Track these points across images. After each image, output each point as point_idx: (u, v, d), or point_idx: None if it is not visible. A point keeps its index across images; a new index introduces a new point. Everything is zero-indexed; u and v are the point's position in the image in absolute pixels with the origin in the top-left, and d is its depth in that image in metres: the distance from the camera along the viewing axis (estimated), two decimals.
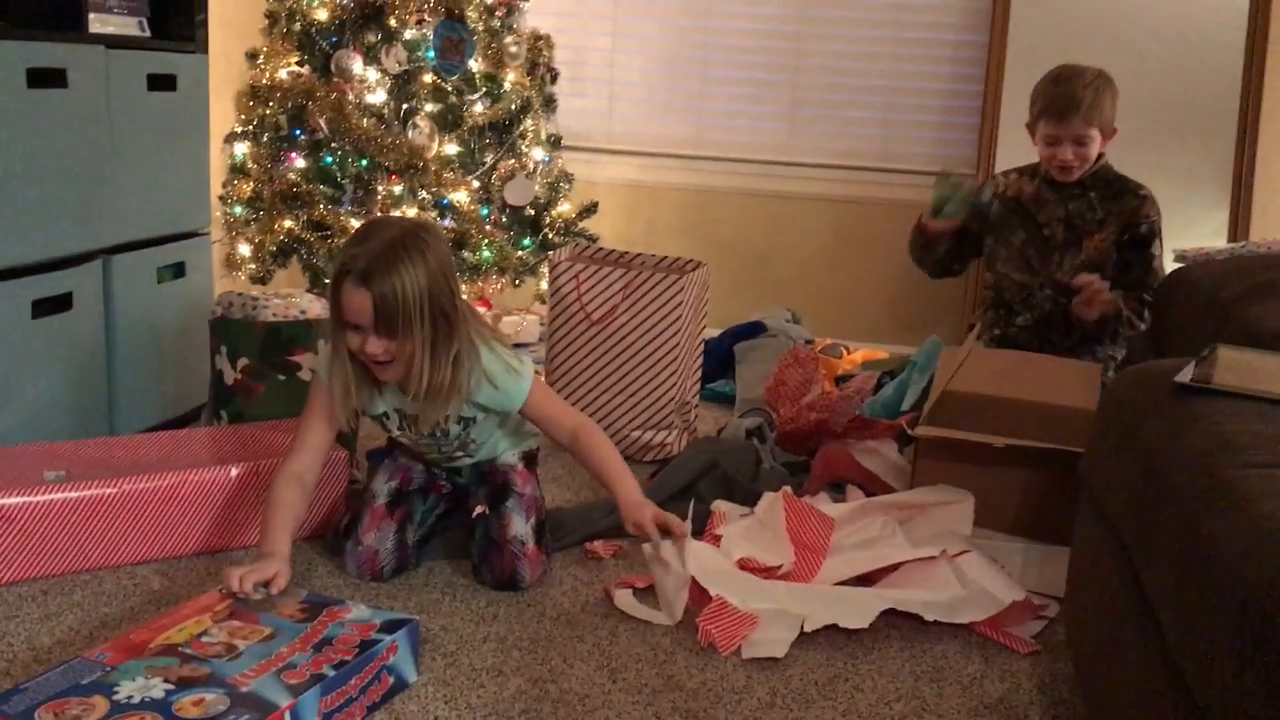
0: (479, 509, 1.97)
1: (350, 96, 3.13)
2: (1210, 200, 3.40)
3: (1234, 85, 3.37)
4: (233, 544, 2.03)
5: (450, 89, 3.24)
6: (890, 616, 1.82)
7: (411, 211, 3.12)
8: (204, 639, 1.51)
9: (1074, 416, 2.08)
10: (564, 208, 3.51)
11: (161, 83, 2.53)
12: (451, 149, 3.25)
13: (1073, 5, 3.47)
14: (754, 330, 3.27)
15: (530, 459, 2.07)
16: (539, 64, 3.49)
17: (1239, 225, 3.36)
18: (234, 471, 2.01)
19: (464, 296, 1.93)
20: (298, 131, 3.21)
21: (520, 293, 3.64)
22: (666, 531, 1.90)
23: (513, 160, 3.37)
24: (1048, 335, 2.68)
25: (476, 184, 3.29)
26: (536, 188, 3.40)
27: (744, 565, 1.94)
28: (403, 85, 3.20)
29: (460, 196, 3.22)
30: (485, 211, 3.30)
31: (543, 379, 2.15)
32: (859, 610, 1.80)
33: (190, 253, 2.68)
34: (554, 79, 3.56)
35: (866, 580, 1.93)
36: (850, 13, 3.71)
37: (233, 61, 3.31)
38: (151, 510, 1.94)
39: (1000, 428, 2.17)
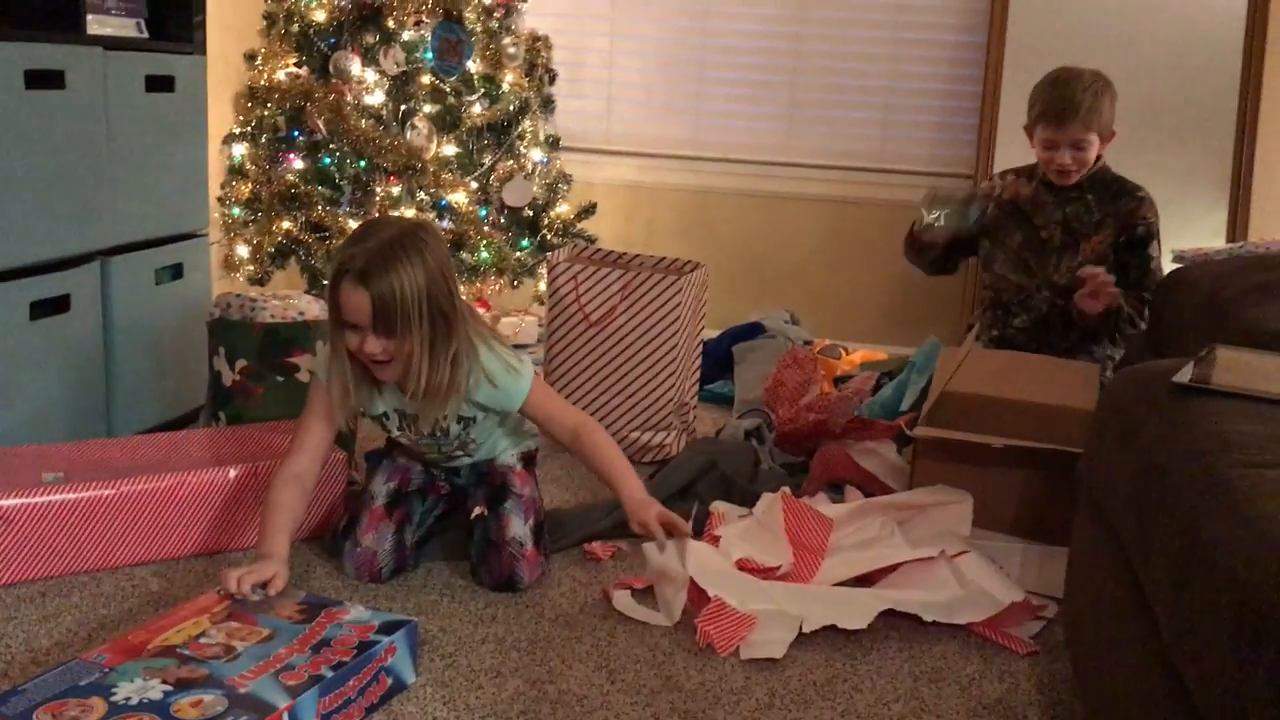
0: (477, 510, 1.97)
1: (348, 98, 3.14)
2: (1209, 200, 3.40)
3: (1232, 85, 3.37)
4: (231, 545, 2.03)
5: (448, 90, 3.24)
6: (889, 617, 1.82)
7: (410, 213, 3.12)
8: (202, 640, 1.51)
9: (1072, 417, 2.08)
10: (562, 209, 3.51)
11: (160, 84, 2.53)
12: (450, 150, 3.25)
13: (1071, 6, 3.47)
14: (752, 331, 3.27)
15: (529, 460, 2.07)
16: (537, 65, 3.49)
17: (1237, 225, 3.37)
18: (232, 473, 2.01)
19: (462, 296, 1.93)
20: (296, 133, 3.21)
21: (519, 294, 3.64)
22: (669, 532, 1.91)
23: (511, 161, 3.37)
24: (1045, 336, 2.68)
25: (475, 185, 3.29)
26: (535, 189, 3.40)
27: (742, 566, 1.94)
28: (401, 86, 3.20)
29: (458, 197, 3.22)
30: (484, 212, 3.30)
31: (542, 378, 2.15)
32: (858, 611, 1.80)
33: (188, 254, 2.68)
34: (552, 80, 3.56)
35: (865, 581, 1.93)
36: (848, 13, 3.71)
37: (231, 63, 3.31)
38: (149, 512, 1.94)
39: (999, 428, 2.17)
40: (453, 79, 3.23)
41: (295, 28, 3.20)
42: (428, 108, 3.22)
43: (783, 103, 3.81)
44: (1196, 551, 1.10)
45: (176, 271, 2.64)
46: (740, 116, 3.84)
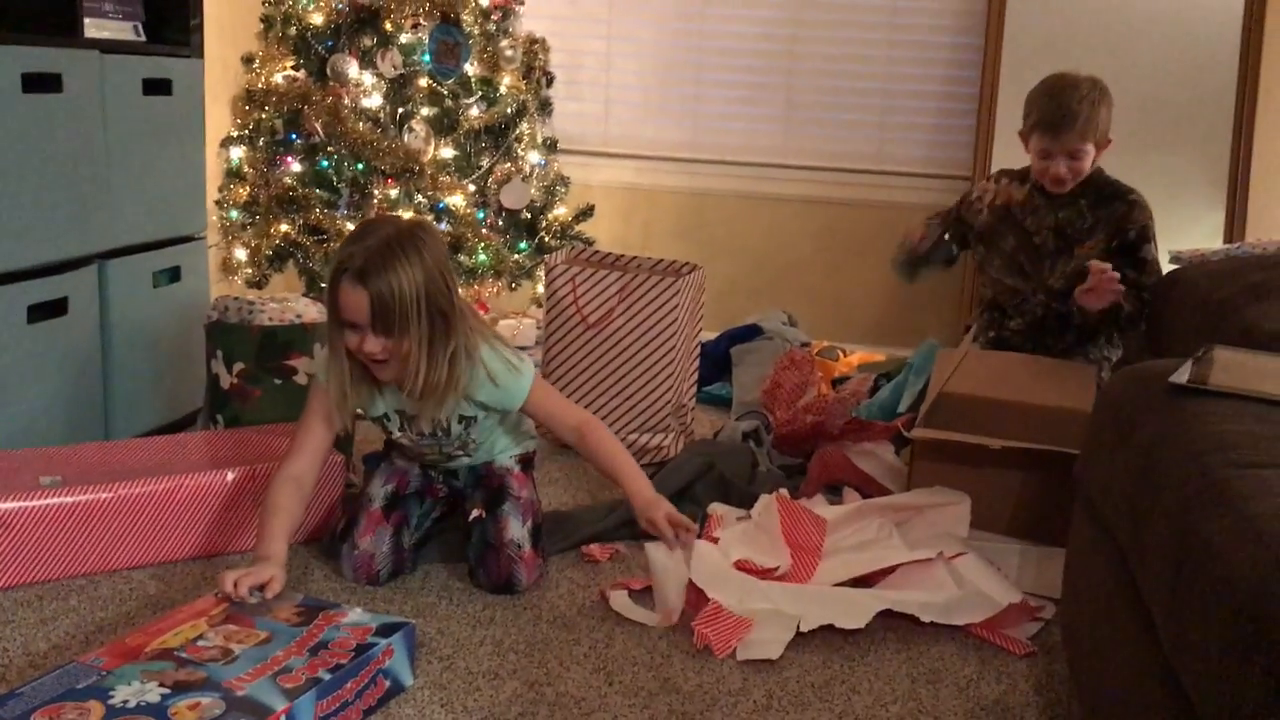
0: (475, 512, 1.97)
1: (346, 100, 3.14)
2: (1206, 202, 3.41)
3: (1229, 87, 3.37)
4: (229, 548, 2.03)
5: (446, 93, 3.24)
6: (886, 619, 1.82)
7: (408, 215, 3.12)
8: (200, 643, 1.51)
9: (1070, 418, 2.08)
10: (560, 211, 3.52)
11: (157, 87, 2.53)
12: (447, 153, 3.25)
13: (1068, 7, 3.47)
14: (750, 333, 3.27)
15: (527, 462, 2.07)
16: (534, 67, 3.49)
17: (1234, 226, 3.37)
18: (230, 476, 2.01)
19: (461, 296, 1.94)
20: (293, 136, 3.21)
21: (516, 296, 3.64)
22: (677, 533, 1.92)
23: (509, 164, 3.37)
24: (1041, 339, 2.68)
25: (472, 187, 3.29)
26: (532, 191, 3.40)
27: (741, 567, 1.94)
28: (398, 89, 3.20)
29: (456, 200, 3.22)
30: (481, 215, 3.31)
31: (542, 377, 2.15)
32: (856, 610, 1.80)
33: (186, 257, 2.68)
34: (549, 82, 3.57)
35: (863, 583, 1.93)
36: (845, 15, 3.72)
37: (228, 66, 3.31)
38: (147, 515, 1.94)
39: (996, 429, 2.17)
40: (450, 82, 3.24)
41: (293, 31, 3.20)
42: (425, 110, 3.22)
43: (780, 105, 3.82)
44: (1193, 551, 1.10)
45: (174, 274, 2.64)
46: (737, 119, 3.85)
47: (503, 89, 3.34)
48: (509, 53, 3.35)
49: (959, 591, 1.85)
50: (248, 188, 3.22)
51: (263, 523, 1.78)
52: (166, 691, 1.39)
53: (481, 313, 3.56)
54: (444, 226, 3.19)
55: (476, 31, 3.27)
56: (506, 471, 2.01)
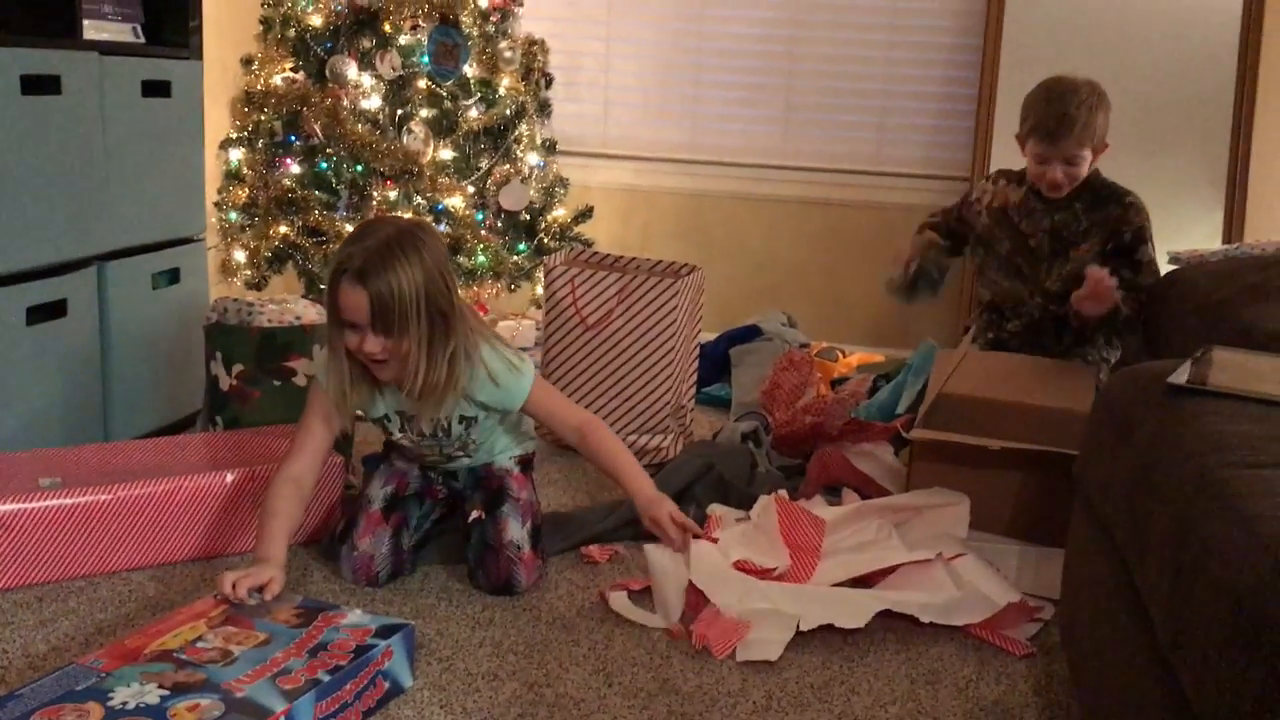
0: (475, 514, 1.97)
1: (345, 102, 3.14)
2: (1204, 202, 3.41)
3: (1228, 87, 3.37)
4: (228, 550, 2.03)
5: (445, 94, 3.24)
6: (886, 619, 1.82)
7: (407, 216, 3.12)
8: (199, 645, 1.51)
9: (1069, 419, 2.08)
10: (559, 212, 3.52)
11: (156, 89, 2.53)
12: (446, 154, 3.25)
13: (1067, 8, 3.47)
14: (749, 334, 3.27)
15: (526, 464, 2.07)
16: (533, 69, 3.49)
17: (1233, 227, 3.37)
18: (229, 477, 2.01)
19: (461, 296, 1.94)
20: (293, 137, 3.21)
21: (516, 298, 3.64)
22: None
23: (508, 165, 3.37)
24: (1039, 340, 2.68)
25: (471, 189, 3.29)
26: (531, 192, 3.40)
27: (740, 567, 1.94)
28: (397, 91, 3.20)
29: (455, 202, 3.22)
30: (480, 216, 3.31)
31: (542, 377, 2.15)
32: (855, 610, 1.80)
33: (185, 259, 2.68)
34: (548, 84, 3.57)
35: (862, 583, 1.93)
36: (844, 16, 3.72)
37: (227, 68, 3.31)
38: (146, 516, 1.94)
39: (995, 430, 2.17)
40: (449, 83, 3.24)
41: (292, 32, 3.20)
42: (424, 112, 3.22)
43: (779, 106, 3.82)
44: (1191, 552, 1.10)
45: (173, 276, 2.64)
46: (736, 120, 3.85)
47: (502, 90, 3.34)
48: (508, 54, 3.35)
49: (958, 592, 1.85)
50: (247, 189, 3.22)
51: (262, 524, 1.78)
52: (166, 693, 1.39)
53: (481, 314, 3.56)
54: (443, 228, 3.19)
55: (475, 33, 3.27)
56: (506, 473, 2.02)
